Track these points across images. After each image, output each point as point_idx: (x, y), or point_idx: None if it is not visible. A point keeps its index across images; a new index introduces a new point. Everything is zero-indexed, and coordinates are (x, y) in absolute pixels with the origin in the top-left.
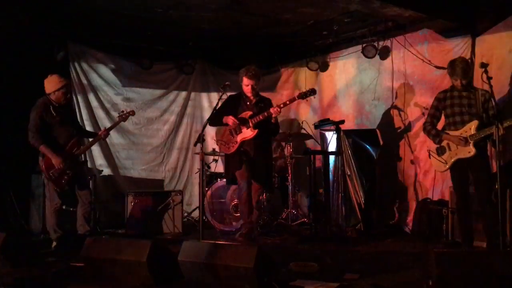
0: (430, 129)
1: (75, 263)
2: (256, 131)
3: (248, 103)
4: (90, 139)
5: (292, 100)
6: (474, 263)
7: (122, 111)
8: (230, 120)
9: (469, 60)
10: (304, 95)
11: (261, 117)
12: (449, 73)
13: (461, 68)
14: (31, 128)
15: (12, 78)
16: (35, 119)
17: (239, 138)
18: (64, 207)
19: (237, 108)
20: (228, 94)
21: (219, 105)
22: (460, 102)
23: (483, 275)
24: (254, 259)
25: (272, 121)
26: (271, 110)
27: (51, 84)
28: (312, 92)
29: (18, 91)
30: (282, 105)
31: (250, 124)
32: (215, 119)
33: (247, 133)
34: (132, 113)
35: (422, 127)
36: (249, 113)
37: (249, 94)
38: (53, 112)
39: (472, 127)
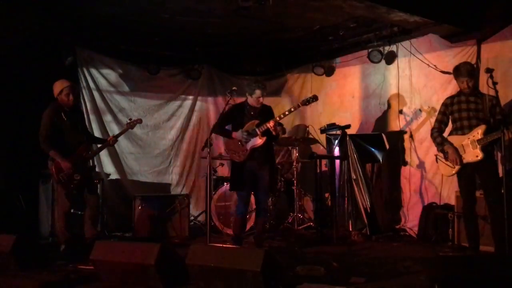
0: (436, 136)
1: (84, 266)
2: (264, 138)
3: (252, 112)
4: (99, 145)
5: (295, 107)
6: (480, 268)
7: (130, 119)
8: (239, 135)
9: (474, 65)
10: (307, 102)
11: (266, 126)
12: (455, 76)
13: (466, 69)
14: (42, 132)
15: (21, 84)
16: (46, 123)
17: (249, 146)
18: (72, 210)
19: (241, 118)
20: (235, 99)
21: (226, 109)
22: (467, 106)
23: (490, 279)
24: (261, 262)
25: (273, 133)
26: (272, 121)
27: (56, 87)
28: (314, 98)
29: (27, 97)
30: (287, 113)
31: (258, 132)
32: (218, 128)
33: (256, 141)
34: (140, 121)
35: (427, 131)
36: (256, 121)
37: (257, 105)
38: (63, 117)
39: (479, 131)
